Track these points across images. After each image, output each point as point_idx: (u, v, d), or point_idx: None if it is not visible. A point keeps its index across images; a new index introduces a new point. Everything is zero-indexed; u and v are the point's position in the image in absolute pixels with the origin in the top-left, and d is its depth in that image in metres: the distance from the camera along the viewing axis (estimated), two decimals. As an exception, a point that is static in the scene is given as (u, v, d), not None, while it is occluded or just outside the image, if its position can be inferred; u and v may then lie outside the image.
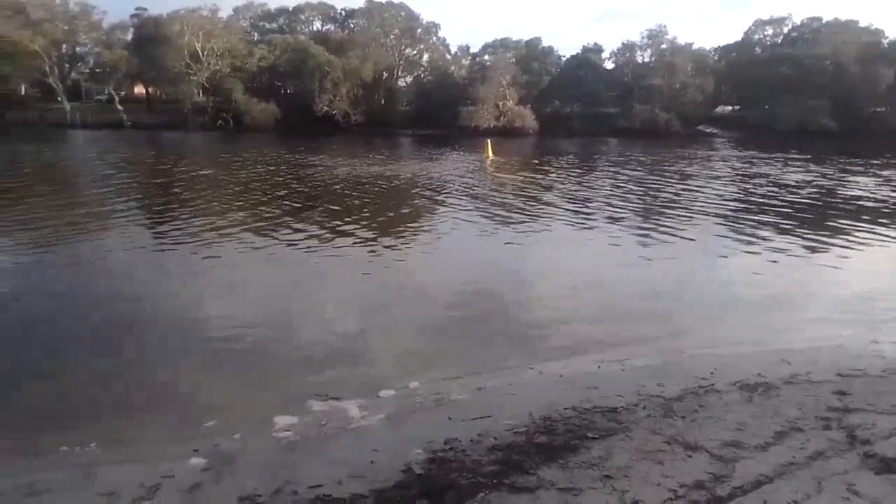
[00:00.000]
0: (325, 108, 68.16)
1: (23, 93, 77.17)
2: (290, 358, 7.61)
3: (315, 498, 4.19)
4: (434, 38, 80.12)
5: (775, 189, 25.09)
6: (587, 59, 75.09)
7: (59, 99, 73.04)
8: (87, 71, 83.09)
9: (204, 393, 6.62)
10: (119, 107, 71.34)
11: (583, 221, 17.66)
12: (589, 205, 20.49)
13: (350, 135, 61.41)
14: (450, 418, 5.76)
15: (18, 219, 16.22)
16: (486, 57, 77.13)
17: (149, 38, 70.25)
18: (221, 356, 7.59)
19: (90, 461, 4.90)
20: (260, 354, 7.72)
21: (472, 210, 19.08)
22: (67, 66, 79.03)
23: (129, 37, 77.76)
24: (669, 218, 18.01)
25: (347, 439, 5.35)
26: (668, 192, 23.84)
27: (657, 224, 17.05)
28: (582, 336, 8.62)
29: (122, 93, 76.65)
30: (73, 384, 6.64)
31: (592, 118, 69.18)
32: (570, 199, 21.97)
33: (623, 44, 76.18)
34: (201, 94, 71.86)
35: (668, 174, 30.70)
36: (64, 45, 77.27)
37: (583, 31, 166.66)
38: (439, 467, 4.75)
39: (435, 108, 68.54)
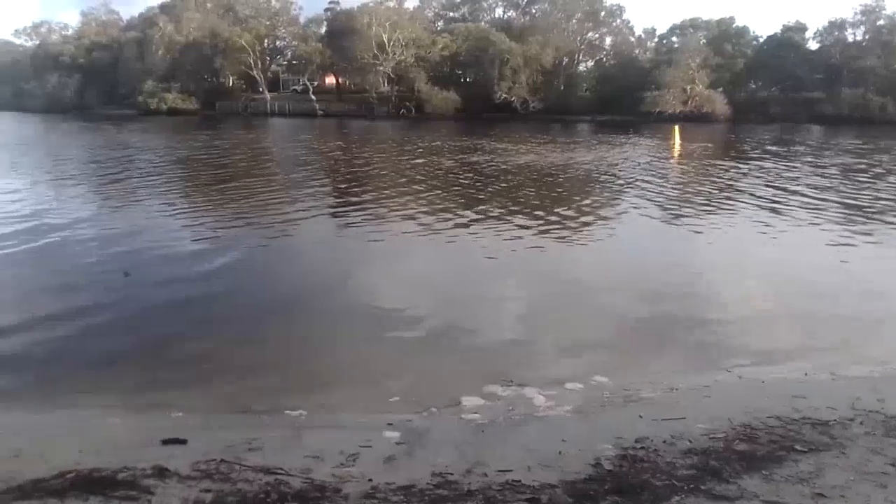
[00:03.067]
0: (504, 96, 68.53)
1: (230, 84, 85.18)
2: (471, 343, 7.67)
3: (505, 482, 4.14)
4: (618, 21, 77.52)
5: None
6: (788, 39, 68.80)
7: (261, 90, 79.66)
8: (284, 63, 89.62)
9: (390, 371, 6.83)
10: (312, 97, 76.31)
11: (781, 216, 16.10)
12: (789, 198, 18.69)
13: (528, 122, 61.25)
14: (640, 416, 5.49)
15: (223, 198, 17.91)
16: (674, 39, 73.29)
17: (340, 30, 74.43)
18: (405, 337, 7.80)
19: (299, 425, 5.25)
20: (442, 338, 7.85)
21: (653, 201, 18.20)
22: (268, 58, 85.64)
23: (323, 30, 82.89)
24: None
25: (535, 427, 5.27)
26: (890, 188, 21.14)
27: (873, 222, 15.25)
28: (783, 339, 7.90)
29: (315, 83, 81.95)
30: (279, 353, 7.16)
31: (792, 103, 63.35)
32: (766, 190, 20.21)
33: (830, 21, 68.90)
34: (386, 84, 75.00)
35: (887, 166, 27.32)
36: (266, 40, 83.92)
37: (782, 8, 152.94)
38: (631, 465, 4.52)
39: (616, 94, 66.39)
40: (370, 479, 4.11)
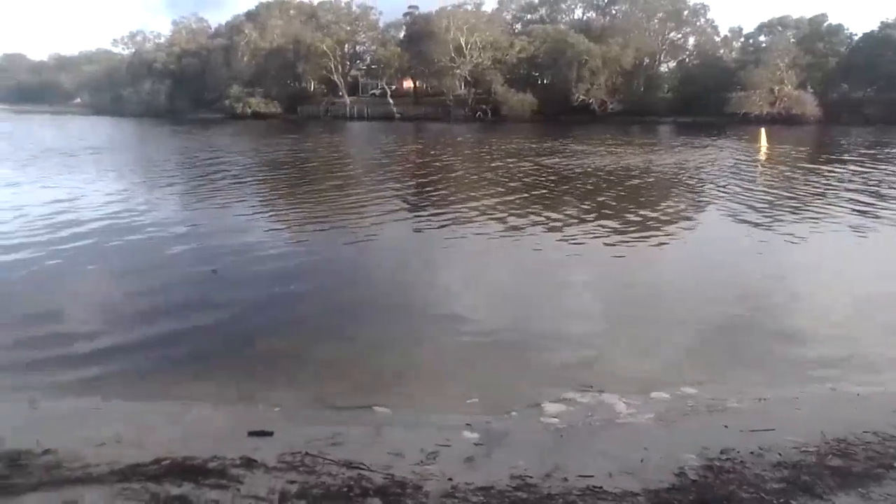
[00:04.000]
0: (582, 97, 67.75)
1: (312, 89, 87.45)
2: (549, 347, 7.57)
3: (586, 487, 4.09)
4: (702, 20, 75.54)
5: None
6: (886, 37, 65.17)
7: (341, 94, 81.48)
8: (363, 67, 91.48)
9: (468, 373, 6.84)
10: (390, 100, 77.51)
11: (879, 223, 15.20)
12: (887, 204, 17.70)
13: (607, 124, 60.35)
14: (726, 427, 5.31)
15: (306, 199, 18.41)
16: (762, 38, 70.73)
17: (418, 34, 75.39)
18: (483, 340, 7.78)
19: (380, 422, 5.34)
20: (519, 342, 7.79)
21: (740, 205, 17.52)
22: (348, 63, 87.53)
23: (401, 34, 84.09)
24: None
25: (616, 433, 5.19)
26: None
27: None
28: (879, 351, 7.46)
29: (393, 87, 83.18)
30: (360, 351, 7.29)
31: (891, 104, 59.90)
32: (862, 196, 19.19)
33: (935, 18, 64.97)
34: (463, 87, 75.43)
35: None
36: (346, 45, 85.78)
37: (880, 5, 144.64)
38: (716, 476, 4.38)
39: (699, 95, 64.67)
40: (450, 479, 4.13)
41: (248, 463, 4.19)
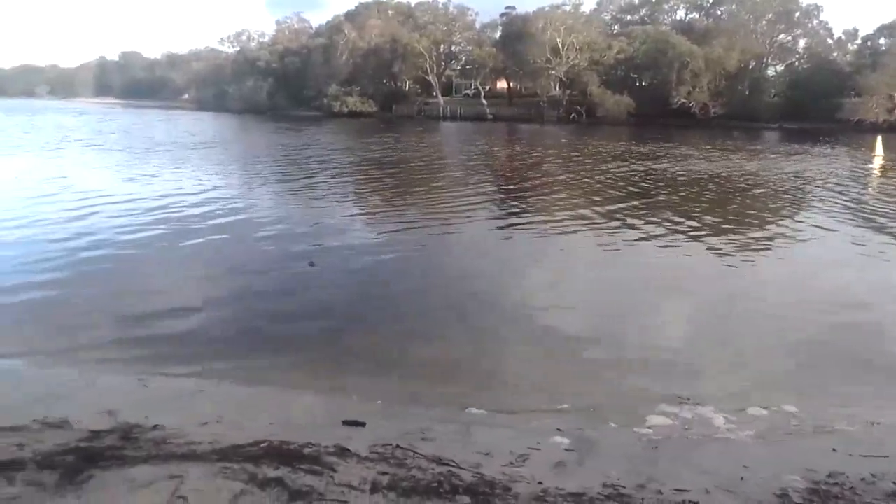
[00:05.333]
0: (682, 100, 65.68)
1: (406, 89, 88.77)
2: (645, 357, 7.38)
3: (681, 502, 3.94)
4: (814, 22, 71.65)
5: None
6: None
7: (435, 94, 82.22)
8: (458, 68, 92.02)
9: (559, 378, 6.75)
10: (483, 101, 77.63)
11: None
12: None
13: (707, 128, 58.25)
14: (834, 450, 5.00)
15: (402, 197, 18.66)
16: (881, 40, 66.40)
17: (515, 35, 75.21)
18: (575, 346, 7.66)
19: (469, 420, 5.34)
20: (614, 349, 7.63)
21: (855, 218, 16.54)
22: (443, 63, 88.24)
23: (497, 35, 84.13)
24: None
25: (714, 449, 4.97)
26: None
27: None
28: None
29: (487, 87, 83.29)
30: (451, 350, 7.32)
31: None
32: None
33: None
34: (557, 88, 74.69)
35: None
36: (442, 45, 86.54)
37: None
38: (823, 501, 4.12)
39: (809, 100, 61.40)
40: (540, 482, 4.07)
41: (342, 452, 4.27)
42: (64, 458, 4.01)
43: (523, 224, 15.06)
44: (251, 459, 4.08)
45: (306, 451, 4.26)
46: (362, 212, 16.22)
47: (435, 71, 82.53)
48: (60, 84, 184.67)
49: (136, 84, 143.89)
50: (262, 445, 4.32)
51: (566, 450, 4.67)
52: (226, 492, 3.65)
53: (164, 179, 20.77)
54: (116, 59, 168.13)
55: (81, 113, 78.50)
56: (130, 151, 30.49)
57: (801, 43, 72.71)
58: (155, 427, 4.61)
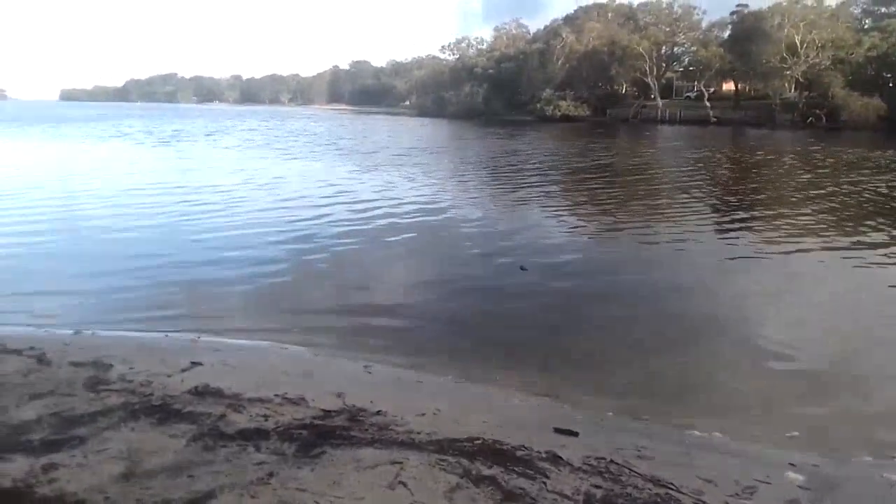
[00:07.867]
0: (949, 103, 57.03)
1: (623, 91, 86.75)
2: (884, 385, 6.53)
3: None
4: None
5: None
6: None
7: (653, 97, 79.44)
8: (680, 69, 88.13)
9: (789, 404, 6.17)
10: (706, 103, 73.56)
11: None
12: None
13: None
14: None
15: (613, 203, 18.20)
16: None
17: (746, 33, 70.33)
18: (806, 367, 6.99)
19: (690, 442, 5.04)
20: (843, 376, 6.85)
21: None
22: (664, 65, 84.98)
23: (726, 34, 79.25)
24: None
25: None
26: None
27: None
28: None
29: (711, 89, 78.78)
30: (669, 366, 6.95)
31: None
32: None
33: None
34: (793, 89, 68.64)
35: None
36: (663, 46, 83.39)
37: None
38: None
39: None
40: (769, 520, 3.74)
41: (554, 459, 4.24)
42: (301, 432, 4.40)
43: (741, 238, 13.80)
44: (466, 455, 4.19)
45: (518, 453, 4.28)
46: (575, 218, 15.99)
47: (654, 73, 79.70)
48: (299, 91, 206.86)
49: (364, 91, 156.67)
50: (477, 442, 4.42)
51: (800, 487, 4.23)
52: (443, 483, 3.78)
53: (381, 183, 21.98)
54: (347, 67, 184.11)
55: (319, 119, 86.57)
56: (358, 156, 32.99)
57: None
58: (378, 412, 4.90)
